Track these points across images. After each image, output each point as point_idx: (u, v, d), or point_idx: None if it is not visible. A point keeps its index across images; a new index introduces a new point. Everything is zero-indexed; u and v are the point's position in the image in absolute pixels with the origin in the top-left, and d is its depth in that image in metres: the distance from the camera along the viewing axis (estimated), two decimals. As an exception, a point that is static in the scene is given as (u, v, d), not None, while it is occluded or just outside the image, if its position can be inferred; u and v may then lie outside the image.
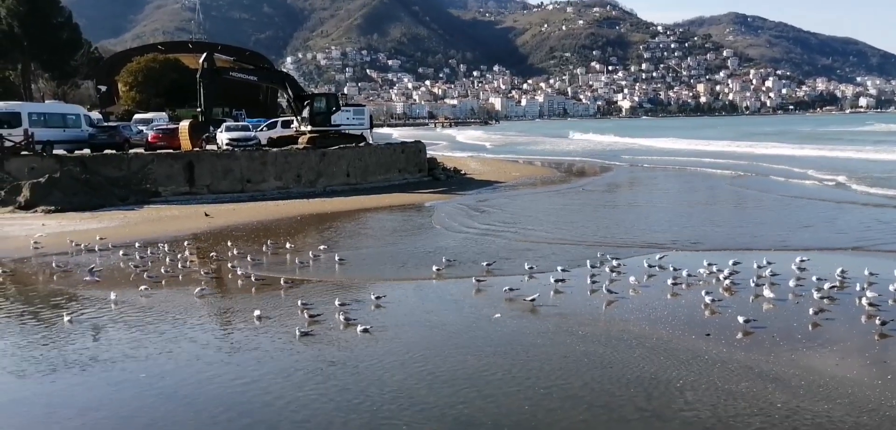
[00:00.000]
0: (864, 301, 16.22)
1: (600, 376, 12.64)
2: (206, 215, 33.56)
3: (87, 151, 44.26)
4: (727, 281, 18.68)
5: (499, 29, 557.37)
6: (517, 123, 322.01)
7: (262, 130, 53.05)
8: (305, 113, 50.31)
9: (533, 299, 17.32)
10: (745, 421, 10.66)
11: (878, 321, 14.83)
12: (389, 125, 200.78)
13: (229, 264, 22.71)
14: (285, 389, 12.39)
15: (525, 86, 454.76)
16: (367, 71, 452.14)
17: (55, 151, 42.53)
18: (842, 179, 44.73)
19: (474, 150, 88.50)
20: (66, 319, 16.82)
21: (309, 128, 49.34)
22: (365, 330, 15.31)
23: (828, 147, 77.56)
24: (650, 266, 20.65)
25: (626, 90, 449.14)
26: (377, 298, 17.76)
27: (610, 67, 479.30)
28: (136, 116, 60.07)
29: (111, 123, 53.93)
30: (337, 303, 16.94)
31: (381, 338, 14.98)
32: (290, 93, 53.40)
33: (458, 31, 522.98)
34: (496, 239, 27.03)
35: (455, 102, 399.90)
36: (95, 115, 58.23)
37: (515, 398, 11.80)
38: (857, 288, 17.34)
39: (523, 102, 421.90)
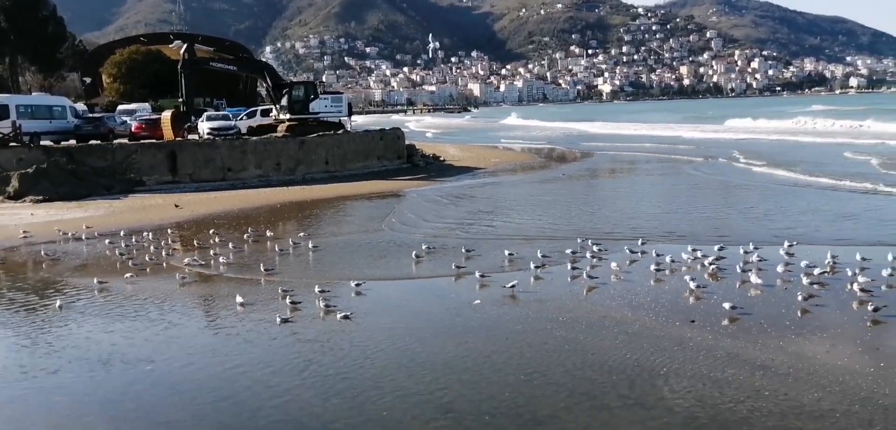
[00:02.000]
0: (855, 287, 15.89)
1: (582, 362, 12.40)
2: (177, 206, 33.23)
3: (72, 141, 44.55)
4: (712, 267, 18.40)
5: (476, 14, 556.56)
6: (495, 108, 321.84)
7: (242, 119, 52.92)
8: (284, 101, 50.46)
9: (513, 286, 17.09)
10: (732, 410, 10.39)
11: (870, 307, 14.53)
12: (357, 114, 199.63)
13: (211, 252, 22.76)
14: (267, 375, 12.34)
15: (504, 71, 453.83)
16: (346, 59, 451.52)
17: (42, 142, 42.87)
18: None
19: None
20: (57, 305, 16.99)
21: (288, 116, 49.44)
22: (345, 317, 15.25)
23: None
24: (632, 252, 20.48)
25: (606, 74, 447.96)
26: (357, 285, 17.67)
27: (589, 51, 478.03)
28: (120, 107, 60.50)
29: (96, 115, 53.77)
30: (317, 290, 16.87)
31: (361, 325, 14.89)
32: (269, 82, 53.90)
33: (436, 17, 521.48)
34: (476, 225, 26.86)
35: (433, 88, 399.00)
36: (81, 106, 58.03)
37: (496, 384, 11.62)
38: (849, 273, 16.99)
39: (502, 88, 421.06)
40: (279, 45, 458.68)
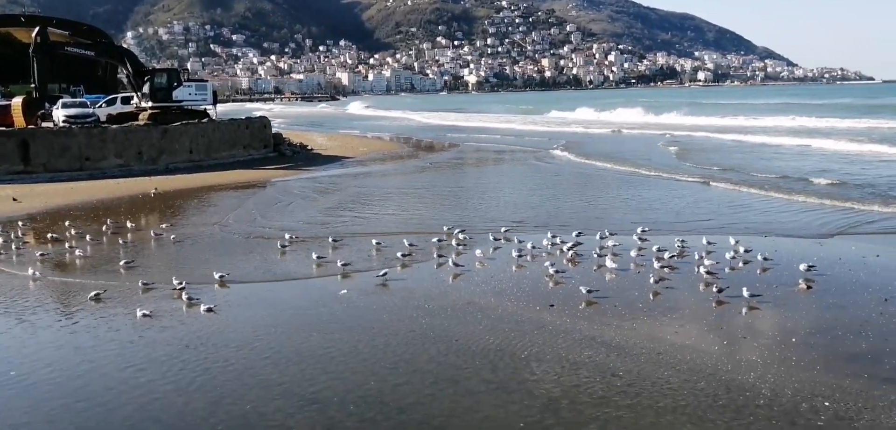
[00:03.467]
0: (702, 270, 16.78)
1: (446, 349, 12.59)
2: (15, 199, 31.36)
3: (-88, 130, 41.62)
4: (571, 252, 19.02)
5: (344, 3, 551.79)
6: (365, 97, 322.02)
7: (101, 106, 51.08)
8: (146, 89, 49.10)
9: (384, 274, 17.25)
10: (589, 390, 10.79)
11: (715, 289, 15.37)
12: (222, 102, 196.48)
13: (67, 245, 21.80)
14: (126, 372, 11.90)
15: (372, 61, 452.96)
16: (211, 46, 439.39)
17: None
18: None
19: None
20: None
21: (150, 104, 48.10)
22: (209, 310, 14.94)
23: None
24: (495, 239, 20.92)
25: (472, 65, 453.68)
26: (221, 277, 17.33)
27: (455, 42, 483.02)
28: (-34, 94, 56.99)
29: (-63, 101, 50.84)
30: (176, 283, 16.49)
31: (225, 317, 14.61)
32: (130, 68, 52.07)
33: (304, 6, 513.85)
34: (343, 215, 26.80)
35: (301, 76, 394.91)
36: (-79, 93, 54.80)
37: (361, 374, 11.64)
38: (696, 257, 17.96)
39: (370, 77, 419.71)
40: (141, 30, 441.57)
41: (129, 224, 24.81)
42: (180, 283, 16.45)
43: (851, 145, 47.91)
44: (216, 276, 17.38)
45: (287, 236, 21.57)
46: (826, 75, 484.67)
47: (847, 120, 72.74)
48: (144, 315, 14.63)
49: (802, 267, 16.73)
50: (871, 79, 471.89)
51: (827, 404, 10.23)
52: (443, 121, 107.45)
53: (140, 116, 47.93)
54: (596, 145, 55.74)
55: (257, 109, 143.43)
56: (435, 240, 20.75)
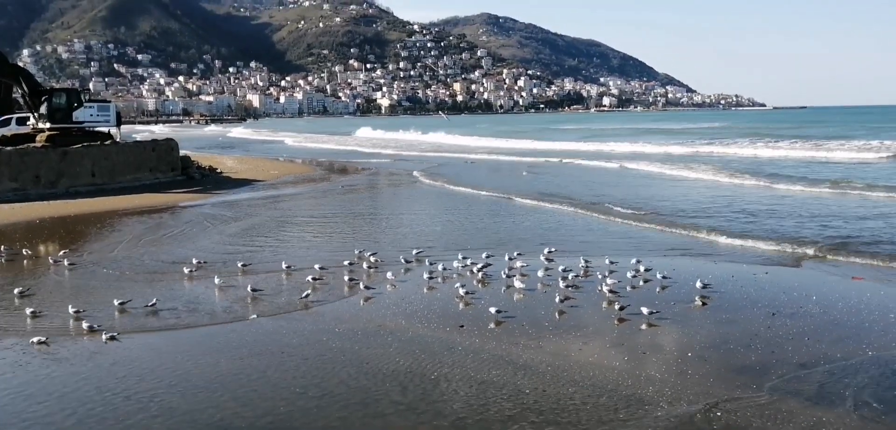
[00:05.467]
0: (605, 289, 17.36)
1: (356, 372, 12.68)
2: None
3: None
4: (481, 274, 19.37)
5: (255, 25, 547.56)
6: (277, 119, 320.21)
7: (-7, 127, 49.38)
8: (43, 109, 47.44)
9: (307, 295, 17.32)
10: (496, 408, 11.04)
11: (617, 307, 16.00)
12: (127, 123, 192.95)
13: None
14: (18, 404, 11.56)
15: (283, 83, 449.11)
16: (115, 66, 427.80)
17: None
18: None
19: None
20: None
21: (48, 125, 46.50)
22: (111, 337, 14.57)
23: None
24: (407, 261, 21.08)
25: (384, 88, 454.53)
26: (121, 303, 16.92)
27: (368, 66, 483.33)
28: None
29: None
30: (78, 310, 16.11)
31: (128, 345, 14.32)
32: (25, 87, 50.11)
33: (213, 26, 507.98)
34: (253, 239, 26.60)
35: (211, 98, 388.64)
36: None
37: (271, 399, 11.62)
38: (599, 276, 18.52)
39: (282, 99, 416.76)
40: (39, 48, 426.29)
41: (24, 251, 23.87)
42: (79, 310, 16.07)
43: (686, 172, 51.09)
44: (116, 303, 16.94)
45: (194, 262, 21.29)
46: (722, 102, 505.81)
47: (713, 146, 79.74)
48: (40, 343, 14.22)
49: (698, 284, 17.47)
50: (763, 105, 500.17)
51: (719, 413, 10.78)
52: (316, 144, 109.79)
53: (37, 138, 46.25)
54: (469, 173, 56.69)
55: (139, 131, 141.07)
56: (346, 263, 20.76)
